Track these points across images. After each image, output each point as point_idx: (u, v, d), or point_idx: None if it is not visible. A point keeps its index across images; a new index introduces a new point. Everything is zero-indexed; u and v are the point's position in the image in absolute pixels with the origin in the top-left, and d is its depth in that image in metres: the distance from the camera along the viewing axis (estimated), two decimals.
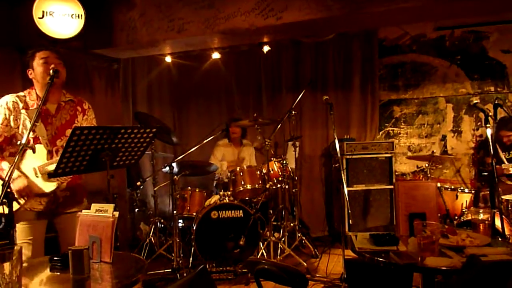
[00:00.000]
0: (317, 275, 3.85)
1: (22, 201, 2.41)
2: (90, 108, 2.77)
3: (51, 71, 2.43)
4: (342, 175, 3.52)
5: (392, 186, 4.75)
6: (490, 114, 2.69)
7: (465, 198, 4.02)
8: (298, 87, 5.40)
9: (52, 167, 2.36)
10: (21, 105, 2.53)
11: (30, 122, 2.46)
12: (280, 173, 4.43)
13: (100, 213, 1.95)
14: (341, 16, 3.51)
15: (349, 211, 3.70)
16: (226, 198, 4.18)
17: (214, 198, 4.37)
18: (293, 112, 4.47)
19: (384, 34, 5.33)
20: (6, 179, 2.07)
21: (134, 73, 5.74)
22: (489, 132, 2.65)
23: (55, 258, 1.88)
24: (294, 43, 5.47)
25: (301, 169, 5.36)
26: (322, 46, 5.40)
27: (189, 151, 4.21)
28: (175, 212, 4.06)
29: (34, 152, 2.38)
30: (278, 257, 4.15)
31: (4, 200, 1.98)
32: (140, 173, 5.64)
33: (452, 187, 4.15)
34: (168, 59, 5.44)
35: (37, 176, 2.42)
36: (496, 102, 2.71)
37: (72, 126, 2.60)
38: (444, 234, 2.06)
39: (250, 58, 5.66)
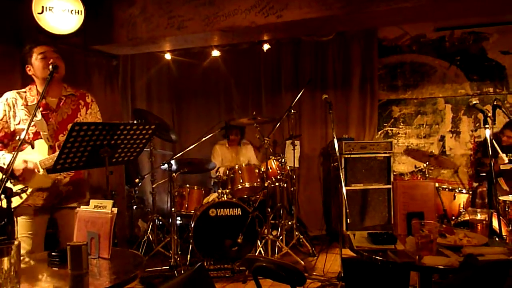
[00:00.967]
0: (314, 273, 3.86)
1: (24, 195, 2.41)
2: (94, 101, 2.75)
3: (50, 66, 2.43)
4: (341, 174, 3.52)
5: (390, 186, 4.76)
6: (489, 115, 2.69)
7: (462, 198, 4.03)
8: (297, 85, 5.40)
9: (52, 162, 2.36)
10: (21, 101, 2.52)
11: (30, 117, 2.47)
12: (278, 171, 4.44)
13: (99, 209, 1.95)
14: (341, 15, 3.51)
15: (347, 210, 3.71)
16: (225, 196, 4.18)
17: (213, 196, 4.38)
18: (292, 110, 4.48)
19: (383, 34, 5.33)
20: (5, 175, 2.06)
21: (133, 70, 5.73)
22: (487, 133, 2.65)
23: (53, 253, 1.88)
24: (294, 41, 5.47)
25: (300, 168, 5.36)
26: (322, 45, 5.41)
27: (188, 149, 4.21)
28: (173, 209, 4.07)
29: (33, 148, 2.38)
30: (276, 255, 4.16)
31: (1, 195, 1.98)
32: (139, 170, 5.63)
33: (450, 187, 4.16)
34: (168, 56, 5.44)
35: (38, 171, 2.42)
36: (495, 103, 2.71)
37: (75, 120, 2.60)
38: (442, 234, 2.07)
39: (249, 56, 5.65)
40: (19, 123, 2.51)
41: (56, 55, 2.54)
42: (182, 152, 4.22)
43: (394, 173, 5.14)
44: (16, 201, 2.42)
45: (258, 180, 4.30)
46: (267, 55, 5.51)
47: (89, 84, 4.50)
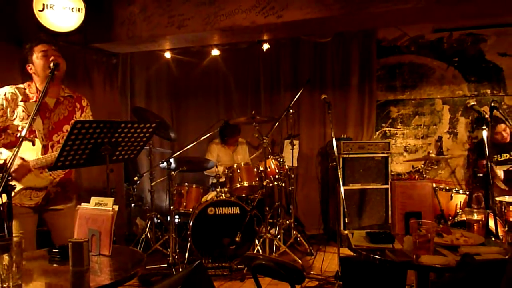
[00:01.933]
0: (312, 272, 3.89)
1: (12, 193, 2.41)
2: (89, 106, 2.78)
3: (51, 64, 2.43)
4: (339, 174, 3.54)
5: (387, 186, 4.79)
6: (486, 116, 2.72)
7: (459, 199, 4.05)
8: (296, 85, 5.41)
9: (45, 162, 2.37)
10: (20, 97, 2.52)
11: (28, 114, 2.47)
12: (277, 170, 4.46)
13: (100, 207, 1.97)
14: (341, 16, 3.54)
15: (345, 210, 3.73)
16: (223, 194, 4.19)
17: (211, 195, 4.40)
18: (291, 110, 4.50)
19: (382, 34, 5.35)
20: (6, 172, 2.07)
21: (133, 68, 5.74)
22: (484, 134, 2.68)
23: (54, 250, 1.90)
24: (293, 41, 5.49)
25: (298, 167, 5.37)
26: (321, 46, 5.42)
27: (187, 147, 4.23)
28: (171, 207, 4.08)
29: (34, 145, 2.39)
30: (274, 254, 4.18)
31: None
32: (137, 168, 5.64)
33: (447, 187, 4.18)
34: (167, 54, 5.44)
35: (31, 170, 2.42)
36: (492, 104, 2.74)
37: (70, 122, 2.60)
38: (439, 233, 2.10)
39: (249, 55, 5.66)
40: (15, 119, 2.49)
41: (57, 53, 2.54)
42: (181, 151, 4.24)
43: (392, 173, 5.17)
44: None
45: (257, 179, 4.32)
46: (267, 55, 5.52)
47: (89, 81, 4.51)
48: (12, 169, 2.32)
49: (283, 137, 5.27)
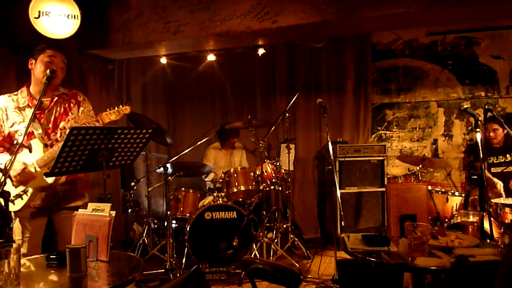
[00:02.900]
0: (309, 276, 3.89)
1: (25, 197, 2.43)
2: (86, 100, 2.77)
3: (47, 71, 2.45)
4: (335, 177, 3.55)
5: (383, 189, 4.81)
6: (480, 119, 2.74)
7: (455, 201, 4.08)
8: (292, 89, 5.44)
9: (50, 158, 2.39)
10: (12, 104, 2.56)
11: (23, 121, 2.50)
12: (273, 175, 4.47)
13: (97, 212, 1.97)
14: (335, 20, 3.56)
15: (342, 213, 3.74)
16: (220, 199, 4.20)
17: (208, 199, 4.40)
18: (287, 114, 4.52)
19: (377, 38, 5.39)
20: (2, 178, 2.08)
21: (129, 74, 5.75)
22: (479, 136, 2.70)
23: (52, 256, 1.90)
24: (289, 46, 5.51)
25: (294, 171, 5.40)
26: (316, 50, 5.45)
27: (183, 152, 4.23)
28: (168, 212, 4.08)
29: (30, 151, 2.40)
30: (271, 258, 4.19)
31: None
32: (134, 174, 5.64)
33: (443, 190, 4.21)
34: (163, 60, 5.45)
35: (36, 170, 2.44)
36: (486, 107, 2.76)
37: (67, 119, 2.62)
38: (434, 235, 2.11)
39: (245, 60, 5.68)
40: (12, 126, 2.54)
41: (63, 65, 2.58)
42: (178, 156, 4.24)
43: (388, 176, 5.19)
44: (19, 204, 2.44)
45: (253, 183, 4.32)
46: (262, 60, 5.55)
47: (85, 87, 4.51)
48: (15, 174, 2.34)
49: (279, 141, 5.29)
